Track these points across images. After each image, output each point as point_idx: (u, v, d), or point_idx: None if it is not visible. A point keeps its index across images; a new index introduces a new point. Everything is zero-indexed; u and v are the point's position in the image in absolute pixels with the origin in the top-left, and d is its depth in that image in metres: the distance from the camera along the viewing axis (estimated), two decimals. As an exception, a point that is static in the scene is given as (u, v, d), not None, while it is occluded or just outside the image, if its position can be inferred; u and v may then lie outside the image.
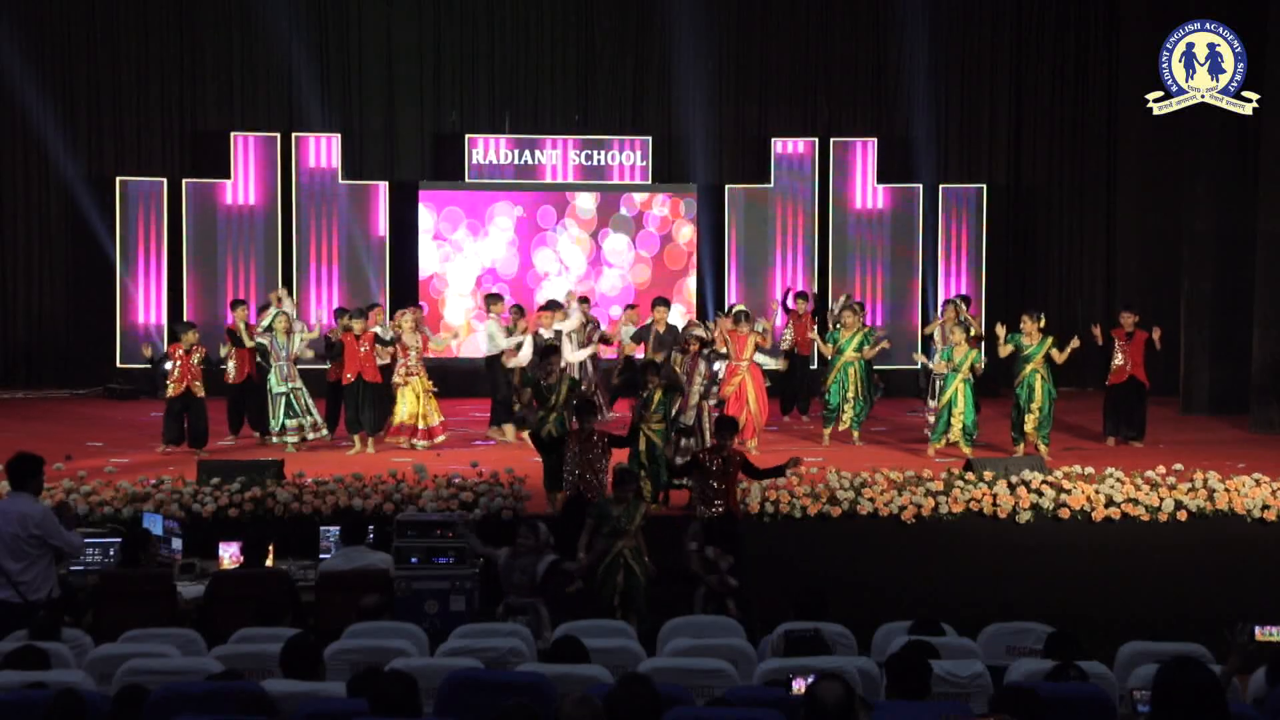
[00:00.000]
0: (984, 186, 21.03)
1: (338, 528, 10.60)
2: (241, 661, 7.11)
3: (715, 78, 20.92)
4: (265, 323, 15.29)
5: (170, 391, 14.91)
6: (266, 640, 7.41)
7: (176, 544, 10.62)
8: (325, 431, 15.17)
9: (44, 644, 7.17)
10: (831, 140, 20.85)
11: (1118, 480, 12.46)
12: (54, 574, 8.79)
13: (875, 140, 20.86)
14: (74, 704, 5.66)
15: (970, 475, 12.60)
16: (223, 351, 15.49)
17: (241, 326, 15.49)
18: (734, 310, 15.74)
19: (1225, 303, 18.10)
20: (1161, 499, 12.06)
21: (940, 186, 20.92)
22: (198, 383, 14.84)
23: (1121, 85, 20.65)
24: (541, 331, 15.05)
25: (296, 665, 6.46)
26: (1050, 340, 14.74)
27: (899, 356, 18.31)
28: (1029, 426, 14.62)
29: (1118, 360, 15.43)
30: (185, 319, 17.60)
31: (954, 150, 21.36)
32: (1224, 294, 18.13)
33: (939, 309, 17.02)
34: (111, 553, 10.23)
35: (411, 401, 14.89)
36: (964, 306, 16.06)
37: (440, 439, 15.09)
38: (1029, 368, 14.64)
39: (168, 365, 15.03)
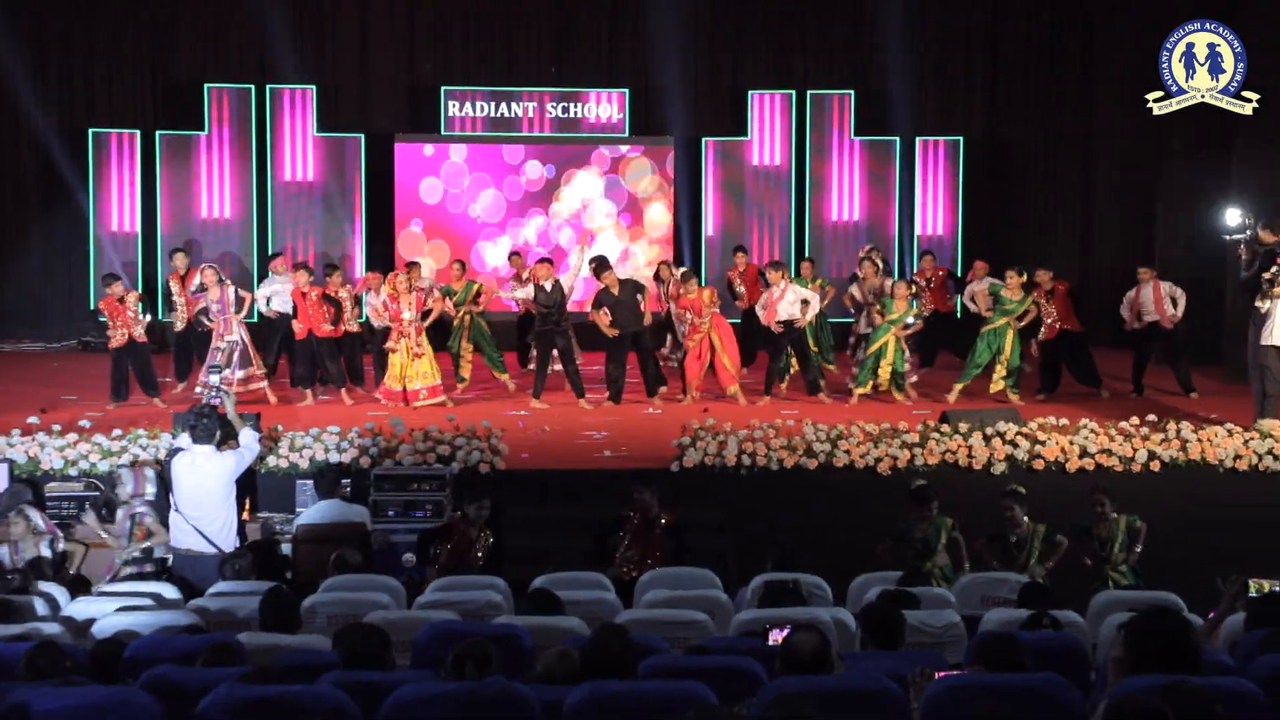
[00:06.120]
0: (960, 139, 21.00)
1: (312, 481, 10.60)
2: (219, 615, 7.14)
3: (691, 30, 20.77)
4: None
5: (112, 342, 14.80)
6: (244, 594, 7.43)
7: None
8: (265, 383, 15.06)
9: (17, 598, 7.18)
10: (809, 93, 20.78)
11: (1092, 431, 12.52)
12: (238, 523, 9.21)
13: (853, 93, 20.81)
14: (54, 654, 5.67)
15: (946, 427, 12.64)
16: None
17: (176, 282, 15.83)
18: (681, 272, 15.91)
19: (1198, 256, 18.11)
20: (1135, 450, 12.13)
21: (917, 139, 20.88)
22: (139, 330, 14.79)
23: (1096, 38, 20.64)
24: (544, 284, 14.86)
25: (274, 618, 6.48)
26: (1030, 298, 15.16)
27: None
28: (998, 375, 15.02)
29: (1047, 319, 15.49)
30: (109, 273, 17.34)
31: (931, 103, 21.28)
32: (1196, 248, 18.15)
33: (858, 265, 16.97)
34: (87, 506, 10.22)
35: (395, 366, 14.64)
36: (877, 256, 16.81)
37: (417, 404, 14.45)
38: (1003, 320, 15.01)
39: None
